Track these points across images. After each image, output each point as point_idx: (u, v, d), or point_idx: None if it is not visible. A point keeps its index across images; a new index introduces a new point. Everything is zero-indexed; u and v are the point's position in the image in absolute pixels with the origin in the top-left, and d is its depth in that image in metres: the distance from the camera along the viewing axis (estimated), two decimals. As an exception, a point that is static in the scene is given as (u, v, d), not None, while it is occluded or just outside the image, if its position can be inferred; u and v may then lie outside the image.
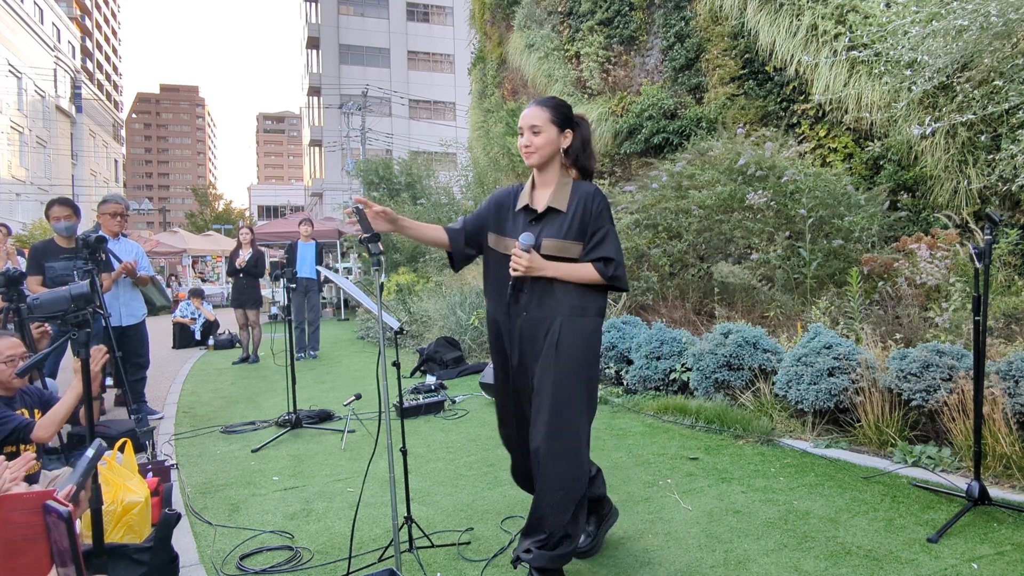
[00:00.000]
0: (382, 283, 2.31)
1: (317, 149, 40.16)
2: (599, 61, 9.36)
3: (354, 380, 6.75)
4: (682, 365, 4.82)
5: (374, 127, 32.78)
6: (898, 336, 4.19)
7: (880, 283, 4.89)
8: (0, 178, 29.95)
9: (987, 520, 2.69)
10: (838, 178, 5.73)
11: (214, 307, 13.67)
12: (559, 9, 10.35)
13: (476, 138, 13.41)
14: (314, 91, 39.19)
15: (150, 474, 3.08)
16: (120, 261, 4.91)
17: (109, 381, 5.82)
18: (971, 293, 3.47)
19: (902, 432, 3.60)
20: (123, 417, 4.95)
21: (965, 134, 5.19)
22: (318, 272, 8.27)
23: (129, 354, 5.01)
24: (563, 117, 2.34)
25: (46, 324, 4.01)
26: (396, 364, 2.74)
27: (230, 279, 9.30)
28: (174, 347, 10.46)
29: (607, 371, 5.35)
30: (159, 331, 10.01)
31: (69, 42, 45.51)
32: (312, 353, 8.53)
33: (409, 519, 2.63)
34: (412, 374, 6.87)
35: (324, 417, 4.97)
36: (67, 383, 2.89)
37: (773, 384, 4.15)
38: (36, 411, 2.87)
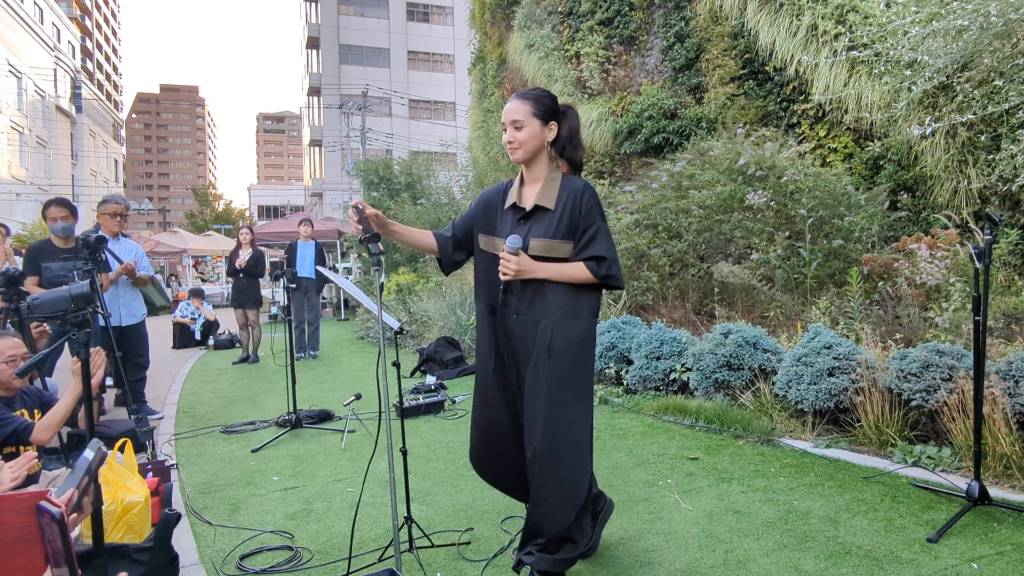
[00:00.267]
0: (382, 283, 2.31)
1: (317, 149, 40.16)
2: (599, 61, 9.36)
3: (354, 380, 6.75)
4: (682, 365, 4.82)
5: (374, 127, 32.77)
6: (898, 336, 4.19)
7: (880, 283, 4.89)
8: (0, 178, 29.95)
9: (987, 520, 2.69)
10: (838, 178, 5.73)
11: (214, 307, 13.67)
12: (559, 9, 10.35)
13: (476, 138, 13.42)
14: (314, 91, 39.19)
15: (150, 474, 3.08)
16: (120, 261, 4.91)
17: (109, 381, 5.82)
18: (971, 293, 3.47)
19: (902, 432, 3.60)
20: (123, 417, 4.95)
21: (965, 134, 5.19)
22: (318, 272, 8.27)
23: (129, 354, 5.01)
24: (546, 109, 2.24)
25: (45, 324, 4.00)
26: (396, 364, 2.74)
27: (230, 279, 9.31)
28: (174, 347, 10.46)
29: (607, 371, 5.35)
30: (159, 331, 10.01)
31: (69, 42, 45.50)
32: (312, 353, 8.53)
33: (409, 519, 2.63)
34: (412, 374, 6.87)
35: (324, 417, 4.97)
36: (64, 383, 2.89)
37: (773, 384, 4.15)
38: (36, 411, 2.87)
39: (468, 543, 2.71)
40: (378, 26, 38.60)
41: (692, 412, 4.36)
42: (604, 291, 2.48)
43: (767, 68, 7.06)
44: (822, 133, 6.56)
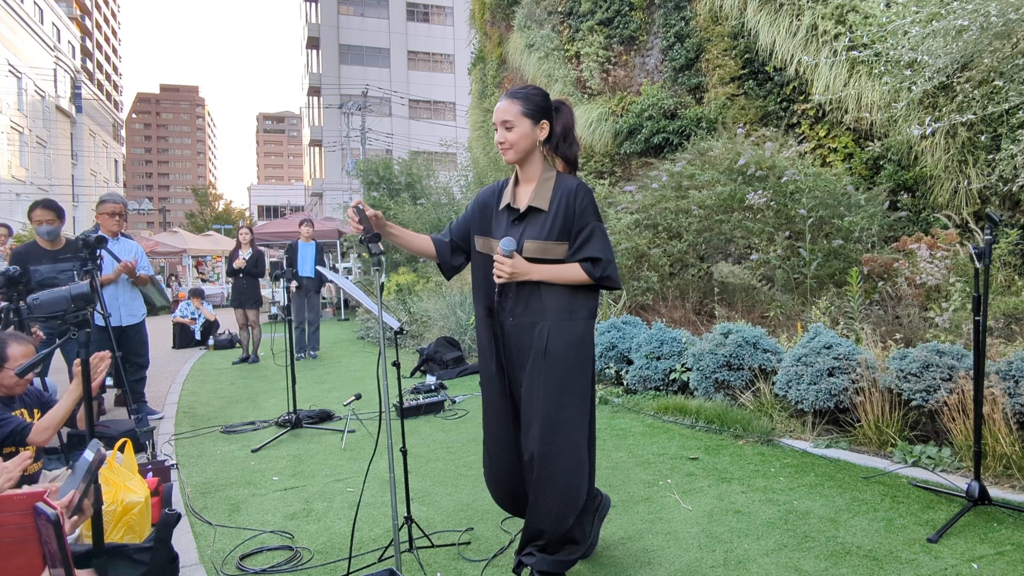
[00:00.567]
0: (382, 283, 2.30)
1: (317, 149, 40.17)
2: (599, 61, 9.36)
3: (354, 380, 6.75)
4: (682, 365, 4.82)
5: (374, 127, 32.78)
6: (898, 336, 4.19)
7: (880, 283, 4.89)
8: (0, 178, 29.95)
9: (987, 520, 2.68)
10: (838, 178, 5.74)
11: (214, 307, 13.68)
12: (559, 9, 10.35)
13: (476, 138, 13.42)
14: (314, 91, 39.20)
15: (150, 474, 3.08)
16: (119, 261, 4.91)
17: (109, 381, 5.82)
18: (971, 293, 3.47)
19: (902, 432, 3.60)
20: (123, 417, 4.96)
21: (965, 134, 5.19)
22: (318, 272, 8.27)
23: (129, 354, 5.01)
24: (536, 107, 2.19)
25: (37, 327, 3.99)
26: (396, 364, 2.73)
27: (230, 279, 9.31)
28: (174, 347, 10.46)
29: (607, 371, 5.35)
30: (159, 331, 10.01)
31: (69, 42, 45.51)
32: (312, 353, 8.54)
33: (409, 519, 2.63)
34: (412, 374, 6.87)
35: (324, 417, 4.97)
36: (61, 384, 2.89)
37: (773, 384, 4.15)
38: (36, 411, 2.87)
39: (468, 543, 2.71)
40: (378, 26, 38.61)
41: (692, 412, 4.36)
42: (602, 291, 2.46)
43: (767, 68, 7.06)
44: (822, 133, 6.56)
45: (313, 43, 38.53)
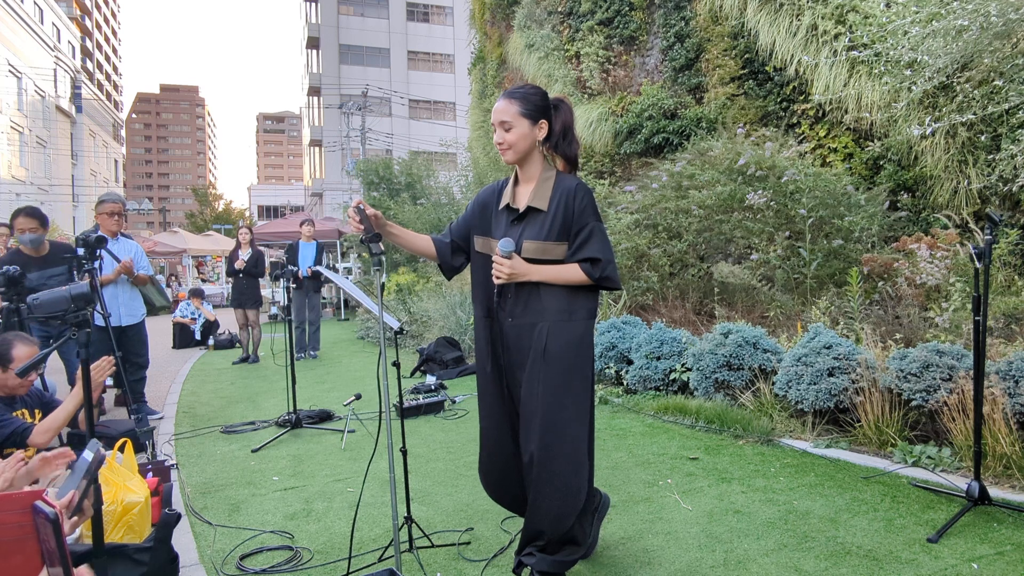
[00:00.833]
0: (383, 283, 2.30)
1: (317, 149, 40.17)
2: (599, 61, 9.36)
3: (354, 380, 6.75)
4: (682, 365, 4.82)
5: (374, 127, 32.78)
6: (898, 336, 4.19)
7: (880, 283, 4.89)
8: (0, 178, 29.96)
9: (987, 520, 2.69)
10: (838, 178, 5.73)
11: (214, 307, 13.68)
12: (559, 9, 10.35)
13: (476, 138, 13.42)
14: (314, 91, 39.19)
15: (150, 474, 3.08)
16: (119, 261, 4.90)
17: (109, 381, 5.82)
18: (971, 293, 3.47)
19: (902, 432, 3.60)
20: (123, 417, 4.96)
21: (965, 134, 5.19)
22: (318, 272, 8.27)
23: (129, 354, 5.01)
24: (534, 107, 2.18)
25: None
26: (396, 364, 2.73)
27: (230, 279, 9.31)
28: (174, 347, 10.46)
29: (607, 371, 5.35)
30: (159, 331, 10.01)
31: (69, 42, 45.51)
32: (312, 353, 8.54)
33: (409, 519, 2.63)
34: (412, 374, 6.87)
35: (324, 417, 4.97)
36: (59, 384, 2.89)
37: (773, 384, 4.15)
38: (37, 412, 2.87)
39: (468, 543, 2.71)
40: (378, 26, 38.61)
41: (692, 412, 4.36)
42: (602, 292, 2.46)
43: (767, 68, 7.07)
44: (822, 133, 6.56)
45: (313, 43, 38.53)
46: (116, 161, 52.95)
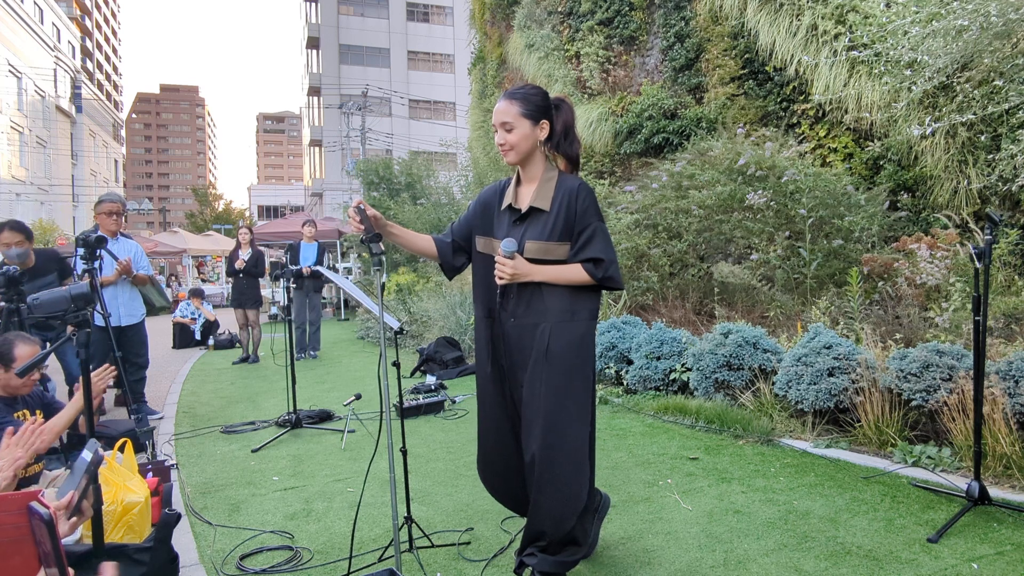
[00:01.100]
0: (383, 283, 2.30)
1: (317, 149, 40.17)
2: (599, 61, 9.36)
3: (354, 380, 6.75)
4: (682, 365, 4.82)
5: (374, 127, 32.78)
6: (898, 336, 4.19)
7: (880, 283, 4.89)
8: (0, 178, 29.96)
9: (987, 520, 2.69)
10: (838, 178, 5.73)
11: (214, 307, 13.68)
12: (559, 9, 10.35)
13: (476, 138, 13.42)
14: (314, 91, 39.19)
15: (150, 474, 3.08)
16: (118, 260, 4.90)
17: (109, 381, 5.82)
18: (971, 293, 3.47)
19: (902, 432, 3.60)
20: (123, 417, 4.95)
21: (965, 134, 5.19)
22: (318, 272, 8.27)
23: (128, 354, 5.01)
24: (535, 108, 2.18)
25: None
26: (396, 364, 2.73)
27: (230, 279, 9.31)
28: (174, 347, 10.46)
29: (607, 371, 5.35)
30: (159, 331, 10.01)
31: (69, 42, 45.52)
32: (312, 353, 8.54)
33: (409, 519, 2.63)
34: (412, 374, 6.87)
35: (324, 417, 4.97)
36: (58, 384, 2.90)
37: (773, 384, 4.15)
38: (38, 412, 2.87)
39: (468, 543, 2.71)
40: (378, 26, 38.60)
41: (692, 412, 4.36)
42: (603, 292, 2.46)
43: (767, 68, 7.07)
44: (822, 133, 6.57)
45: (313, 43, 38.53)
46: (116, 161, 52.96)
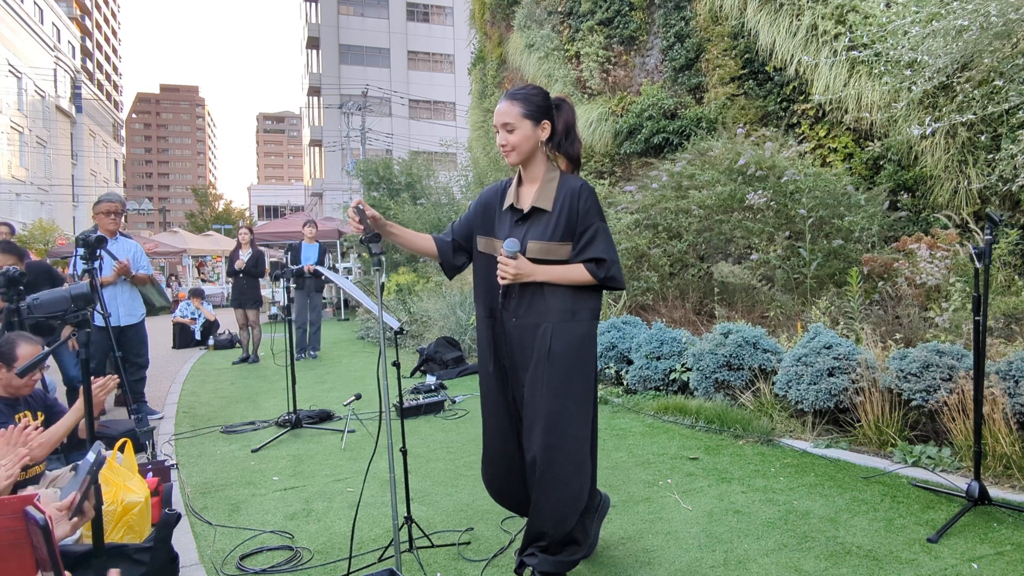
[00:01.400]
0: (383, 283, 2.30)
1: (317, 149, 40.17)
2: (599, 61, 9.36)
3: (354, 380, 6.75)
4: (682, 365, 4.82)
5: (374, 127, 32.77)
6: (898, 336, 4.19)
7: (880, 283, 4.89)
8: (0, 178, 29.96)
9: (987, 520, 2.69)
10: (838, 178, 5.74)
11: (214, 307, 13.68)
12: (559, 9, 10.35)
13: (476, 138, 13.42)
14: (314, 91, 39.20)
15: (150, 474, 3.08)
16: (117, 260, 4.90)
17: (112, 391, 5.82)
18: (971, 293, 3.47)
19: (902, 432, 3.60)
20: (123, 417, 4.96)
21: (965, 134, 5.19)
22: (319, 272, 8.27)
23: (128, 354, 5.01)
24: (536, 108, 2.18)
25: None
26: (396, 364, 2.74)
27: (230, 279, 9.31)
28: (174, 347, 10.47)
29: (607, 371, 5.35)
30: (159, 331, 10.01)
31: (69, 42, 45.52)
32: (312, 353, 8.54)
33: (409, 519, 2.63)
34: (412, 374, 6.87)
35: (324, 417, 4.97)
36: (56, 383, 2.90)
37: (773, 384, 4.15)
38: (39, 414, 2.87)
39: (468, 543, 2.71)
40: (378, 26, 38.60)
41: (692, 412, 4.36)
42: (604, 292, 2.46)
43: (767, 68, 7.07)
44: (822, 133, 6.57)
45: (313, 43, 38.53)
46: (116, 161, 52.97)
